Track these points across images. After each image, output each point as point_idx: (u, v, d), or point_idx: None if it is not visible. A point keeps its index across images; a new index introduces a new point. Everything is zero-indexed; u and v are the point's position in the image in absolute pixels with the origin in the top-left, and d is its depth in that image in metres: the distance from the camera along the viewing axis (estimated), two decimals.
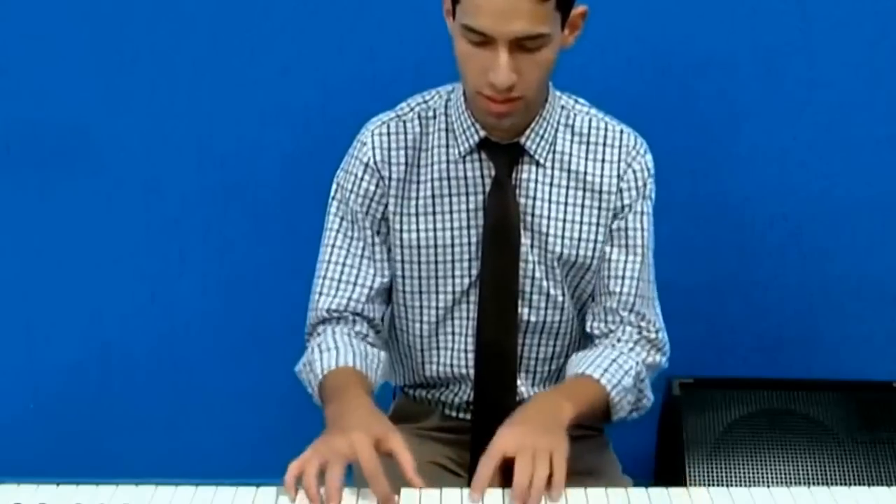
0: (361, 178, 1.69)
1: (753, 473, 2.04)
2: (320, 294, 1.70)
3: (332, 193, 1.73)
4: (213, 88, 2.31)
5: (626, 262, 1.70)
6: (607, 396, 1.59)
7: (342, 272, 1.70)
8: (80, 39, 2.28)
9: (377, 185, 1.69)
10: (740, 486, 2.00)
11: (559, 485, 1.38)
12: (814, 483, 2.02)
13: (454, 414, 1.80)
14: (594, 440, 1.80)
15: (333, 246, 1.71)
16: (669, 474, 2.11)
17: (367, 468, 1.36)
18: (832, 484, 2.01)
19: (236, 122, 2.33)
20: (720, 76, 2.28)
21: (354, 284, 1.69)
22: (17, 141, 2.35)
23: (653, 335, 1.71)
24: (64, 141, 2.34)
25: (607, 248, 1.70)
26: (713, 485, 2.01)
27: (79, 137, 2.34)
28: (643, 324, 1.71)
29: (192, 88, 2.31)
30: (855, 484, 2.01)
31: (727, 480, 2.03)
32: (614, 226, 1.70)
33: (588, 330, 1.73)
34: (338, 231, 1.71)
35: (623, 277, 1.69)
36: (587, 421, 1.60)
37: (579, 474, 1.69)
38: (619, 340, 1.69)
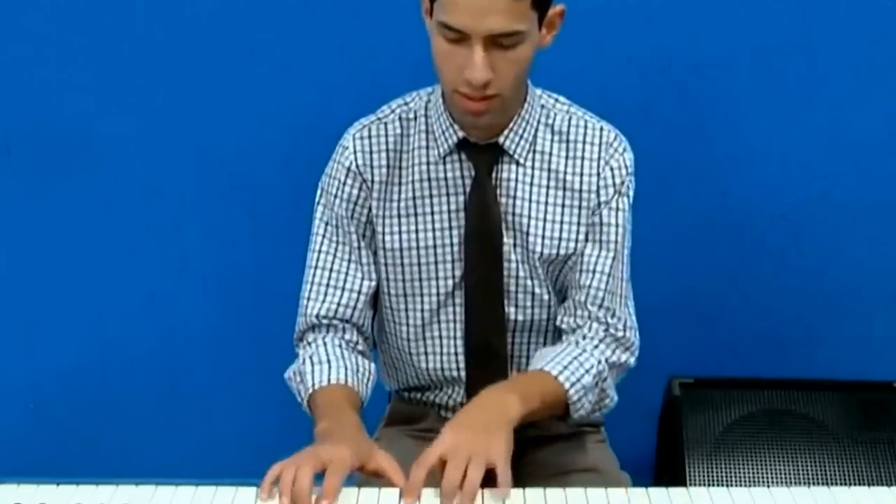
0: (344, 183, 1.69)
1: (753, 473, 2.04)
2: (309, 300, 1.70)
3: (317, 199, 1.73)
4: (212, 88, 2.31)
5: (597, 256, 1.68)
6: (565, 394, 1.57)
7: (330, 277, 1.70)
8: (80, 39, 2.28)
9: (360, 189, 1.69)
10: (740, 486, 2.00)
11: (505, 482, 1.38)
12: (814, 483, 2.02)
13: (449, 415, 1.80)
14: (591, 437, 1.81)
15: (320, 251, 1.71)
16: (669, 474, 2.11)
17: (328, 485, 1.37)
18: (832, 484, 2.01)
19: (236, 122, 2.33)
20: (720, 76, 2.28)
21: (343, 289, 1.69)
22: (17, 141, 2.35)
23: (620, 333, 1.68)
24: (64, 141, 2.34)
25: (581, 242, 1.69)
26: (713, 485, 2.01)
27: (79, 137, 2.34)
28: (611, 320, 1.68)
29: (192, 88, 2.31)
30: (855, 484, 2.01)
31: (727, 480, 2.03)
32: (589, 220, 1.69)
33: (558, 324, 1.71)
34: (324, 236, 1.71)
35: (594, 272, 1.68)
36: (542, 418, 1.59)
37: (578, 471, 1.70)
38: (583, 338, 1.67)
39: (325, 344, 1.66)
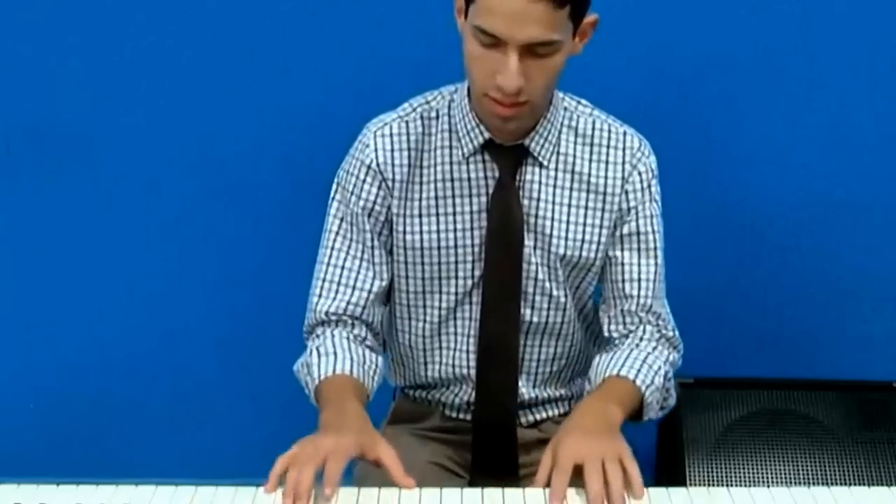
0: (363, 181, 1.69)
1: (753, 473, 2.04)
2: (319, 296, 1.70)
3: (332, 194, 1.73)
4: (213, 89, 2.31)
5: (640, 265, 1.71)
6: (641, 397, 1.60)
7: (341, 275, 1.70)
8: (80, 39, 2.28)
9: (379, 188, 1.69)
10: (740, 486, 2.00)
11: (639, 484, 1.40)
12: (814, 483, 2.02)
13: (454, 414, 1.80)
14: None
15: (333, 248, 1.71)
16: (669, 474, 2.11)
17: (329, 472, 1.37)
18: (832, 484, 2.01)
19: (236, 122, 2.32)
20: (720, 76, 2.28)
21: (353, 288, 1.69)
22: (17, 141, 2.35)
23: (670, 333, 1.73)
24: (64, 141, 2.34)
25: (619, 253, 1.71)
26: (713, 485, 2.01)
27: (79, 137, 2.34)
28: (661, 322, 1.72)
29: (192, 88, 2.31)
30: (855, 484, 2.01)
31: (727, 480, 2.03)
32: (625, 230, 1.70)
33: (606, 333, 1.73)
34: (337, 233, 1.71)
35: (639, 280, 1.70)
36: (625, 421, 1.60)
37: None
38: (641, 340, 1.70)
39: (332, 336, 1.67)
